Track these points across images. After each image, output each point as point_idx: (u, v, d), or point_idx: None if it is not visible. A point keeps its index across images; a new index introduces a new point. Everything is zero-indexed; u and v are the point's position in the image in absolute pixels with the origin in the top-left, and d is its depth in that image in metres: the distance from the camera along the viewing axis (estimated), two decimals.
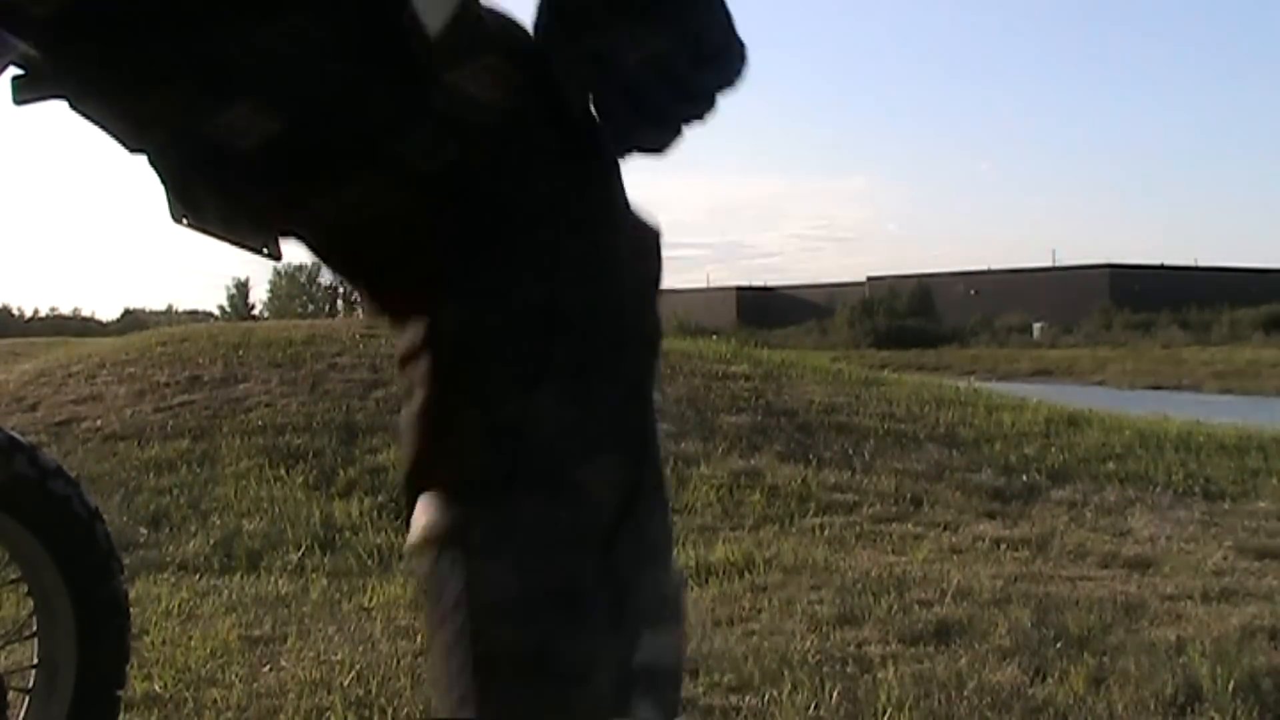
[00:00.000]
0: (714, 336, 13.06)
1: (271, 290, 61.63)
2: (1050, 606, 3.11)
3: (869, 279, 51.92)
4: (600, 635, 0.83)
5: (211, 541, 4.31)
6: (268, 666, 2.82)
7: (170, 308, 64.91)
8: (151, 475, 5.18)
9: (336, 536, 4.37)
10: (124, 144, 1.52)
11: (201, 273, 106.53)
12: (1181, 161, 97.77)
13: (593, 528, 0.85)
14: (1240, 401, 17.24)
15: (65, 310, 62.37)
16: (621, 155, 0.88)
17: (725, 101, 0.88)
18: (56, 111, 1.48)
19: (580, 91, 0.86)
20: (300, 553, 4.15)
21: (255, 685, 2.67)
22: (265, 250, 1.55)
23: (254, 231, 1.04)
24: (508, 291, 0.83)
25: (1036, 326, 39.72)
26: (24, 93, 1.47)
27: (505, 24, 0.89)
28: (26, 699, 1.83)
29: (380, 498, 4.85)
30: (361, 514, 4.64)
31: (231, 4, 0.84)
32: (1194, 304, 37.95)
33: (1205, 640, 2.71)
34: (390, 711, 2.46)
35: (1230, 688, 2.40)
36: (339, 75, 0.84)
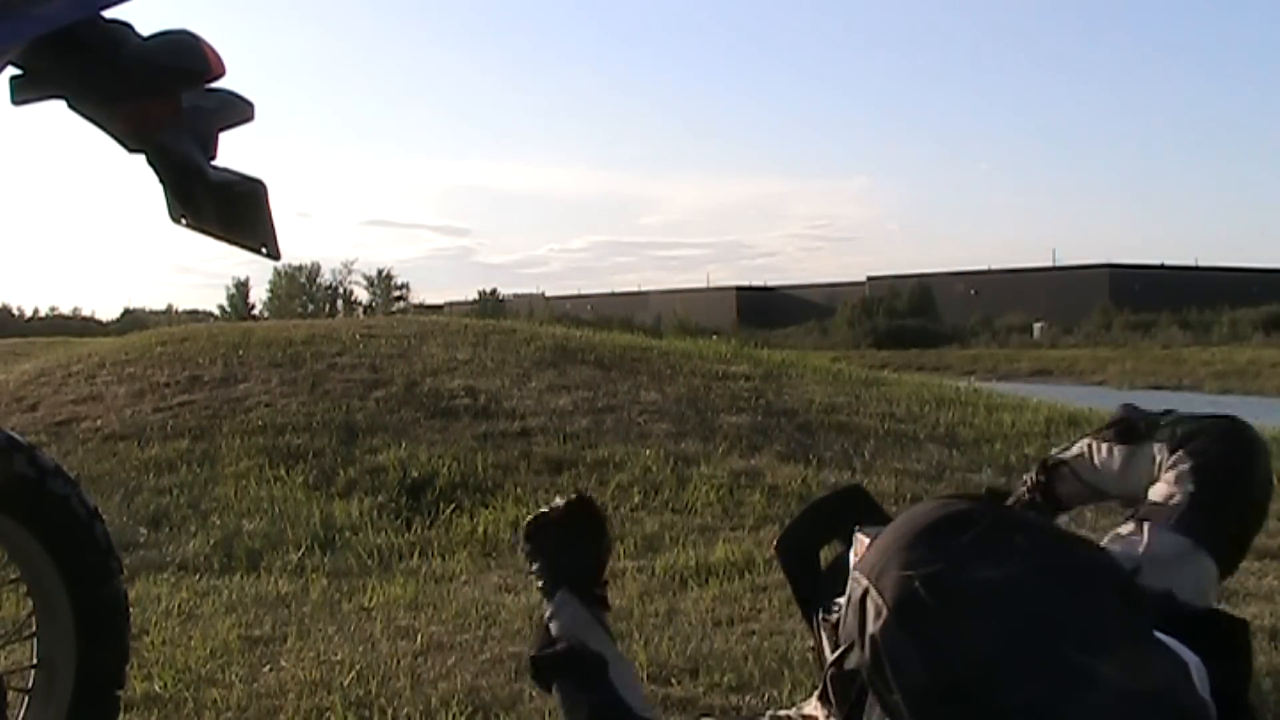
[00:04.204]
0: (714, 336, 13.05)
1: (271, 290, 61.56)
2: None
3: (869, 279, 51.91)
4: None
5: (211, 541, 4.30)
6: (268, 666, 2.82)
7: (170, 307, 64.78)
8: (151, 475, 5.18)
9: (336, 536, 4.37)
10: (123, 144, 1.52)
11: (201, 273, 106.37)
12: (1181, 161, 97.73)
13: None
14: (1240, 401, 17.24)
15: (65, 310, 62.21)
16: None
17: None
18: (56, 111, 1.48)
19: None
20: (300, 553, 4.15)
21: (255, 685, 2.67)
22: (264, 250, 1.56)
23: None
24: None
25: (1036, 326, 39.70)
26: (23, 93, 1.48)
27: None
28: (26, 699, 1.83)
29: (380, 498, 4.85)
30: (361, 514, 4.64)
31: None
32: (1194, 304, 37.93)
33: None
34: (390, 711, 2.46)
35: None
36: None
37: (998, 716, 1.23)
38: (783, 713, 1.82)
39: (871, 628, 1.34)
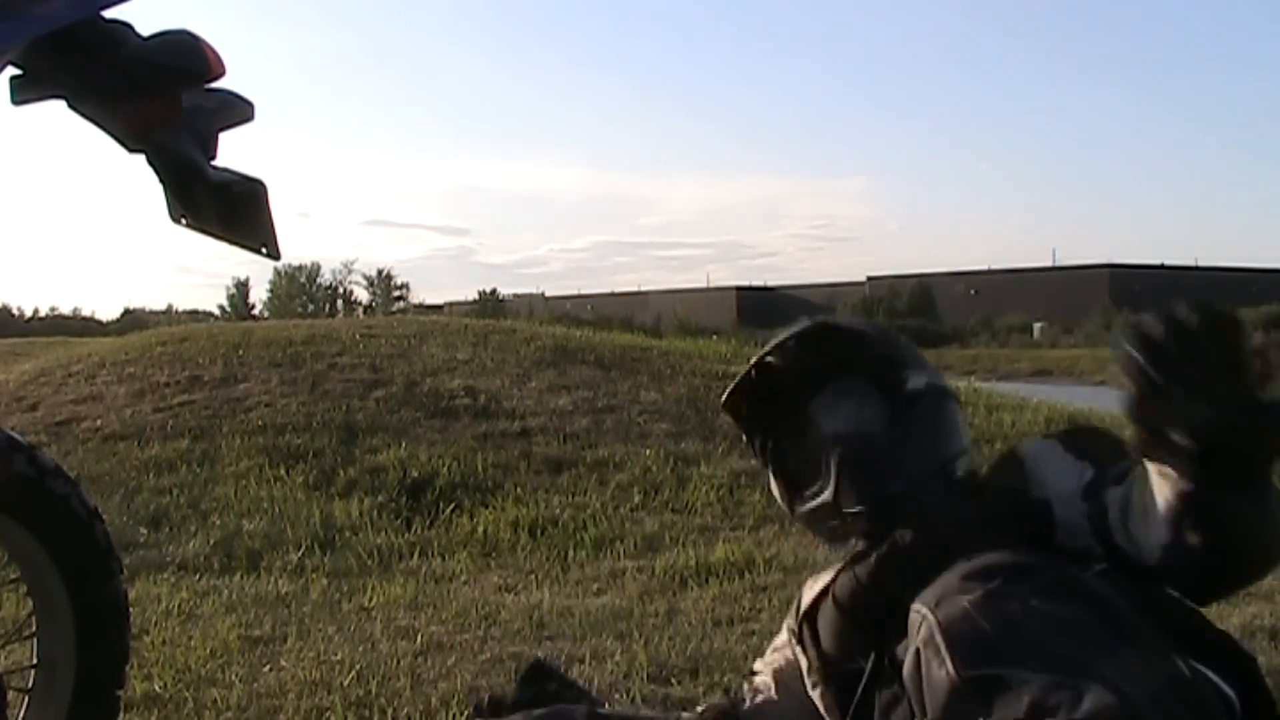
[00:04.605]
0: (714, 336, 13.04)
1: (271, 290, 61.52)
2: None
3: (869, 279, 51.96)
4: None
5: (211, 541, 4.30)
6: (268, 666, 2.82)
7: (170, 308, 64.73)
8: (151, 475, 5.18)
9: (336, 536, 4.37)
10: (123, 144, 1.53)
11: (201, 273, 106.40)
12: (1181, 161, 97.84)
13: None
14: None
15: (65, 310, 62.14)
16: None
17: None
18: (56, 111, 1.48)
19: None
20: (300, 553, 4.15)
21: (255, 685, 2.67)
22: (264, 250, 1.56)
23: None
24: None
25: (1036, 326, 39.73)
26: (23, 93, 1.48)
27: None
28: (26, 699, 1.83)
29: (380, 498, 4.85)
30: (361, 514, 4.64)
31: None
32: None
33: None
34: (390, 711, 2.46)
35: None
36: None
37: (1017, 692, 1.23)
38: (758, 664, 1.85)
39: (916, 642, 1.36)
